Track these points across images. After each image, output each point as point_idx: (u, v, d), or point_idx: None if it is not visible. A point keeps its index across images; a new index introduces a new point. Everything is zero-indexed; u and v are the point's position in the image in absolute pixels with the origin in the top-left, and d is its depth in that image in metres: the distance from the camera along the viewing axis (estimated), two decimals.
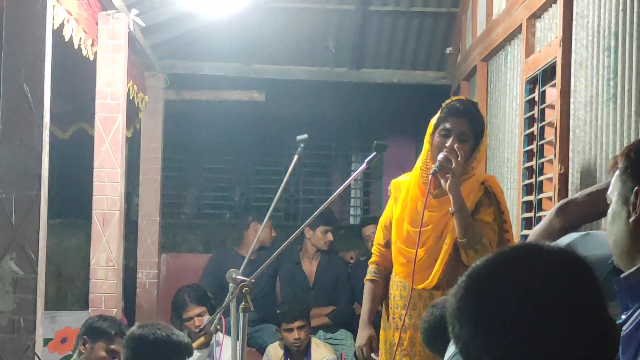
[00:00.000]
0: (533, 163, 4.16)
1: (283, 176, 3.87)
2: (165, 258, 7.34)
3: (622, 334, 1.60)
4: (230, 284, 3.31)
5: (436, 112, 3.65)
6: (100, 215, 4.76)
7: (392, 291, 3.80)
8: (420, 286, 3.61)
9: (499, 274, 1.26)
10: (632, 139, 2.89)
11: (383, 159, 7.91)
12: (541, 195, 4.01)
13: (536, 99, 4.16)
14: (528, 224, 4.25)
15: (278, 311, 5.83)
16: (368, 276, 3.92)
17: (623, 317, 1.64)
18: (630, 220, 1.69)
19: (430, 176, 3.46)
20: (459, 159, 3.46)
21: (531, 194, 4.18)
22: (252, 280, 3.21)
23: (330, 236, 6.46)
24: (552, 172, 3.79)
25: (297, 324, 5.64)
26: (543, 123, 4.02)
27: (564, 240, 2.19)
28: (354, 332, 6.34)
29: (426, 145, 3.64)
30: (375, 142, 3.30)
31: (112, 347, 4.06)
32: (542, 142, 4.03)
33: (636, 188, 1.70)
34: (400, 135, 7.92)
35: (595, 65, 3.30)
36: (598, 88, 3.26)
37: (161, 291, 6.71)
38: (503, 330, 1.21)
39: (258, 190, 8.20)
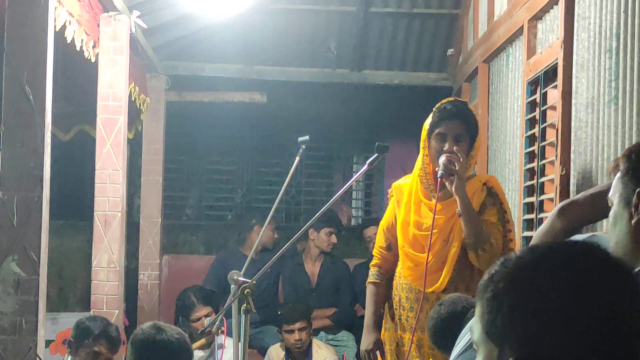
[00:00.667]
0: (534, 164, 4.16)
1: (285, 177, 3.87)
2: (166, 259, 7.34)
3: None
4: (232, 286, 3.31)
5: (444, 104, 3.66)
6: (101, 216, 4.76)
7: (396, 292, 3.80)
8: (430, 290, 3.61)
9: (545, 268, 1.22)
10: (634, 141, 2.89)
11: (384, 160, 7.92)
12: (542, 197, 4.01)
13: (537, 100, 4.16)
14: (529, 225, 4.24)
15: (279, 312, 5.83)
16: (370, 279, 3.91)
17: None
18: (632, 222, 1.70)
19: (438, 179, 3.46)
20: (461, 160, 3.47)
21: (532, 196, 4.18)
22: (254, 282, 3.21)
23: (334, 238, 6.47)
24: (553, 173, 3.79)
25: (298, 325, 5.64)
26: (544, 124, 4.02)
27: None
28: (356, 334, 6.36)
29: (422, 150, 3.64)
30: (376, 143, 3.30)
31: (95, 348, 4.04)
32: (543, 143, 4.03)
33: (638, 190, 1.70)
34: (402, 136, 7.92)
35: (597, 66, 3.30)
36: (599, 89, 3.26)
37: (163, 292, 6.71)
38: (540, 325, 1.18)
39: (259, 192, 8.20)
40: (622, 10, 3.05)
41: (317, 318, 6.24)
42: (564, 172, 3.57)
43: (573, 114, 3.55)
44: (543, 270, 1.21)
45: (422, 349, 3.68)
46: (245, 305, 3.19)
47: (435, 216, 3.55)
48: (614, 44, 3.11)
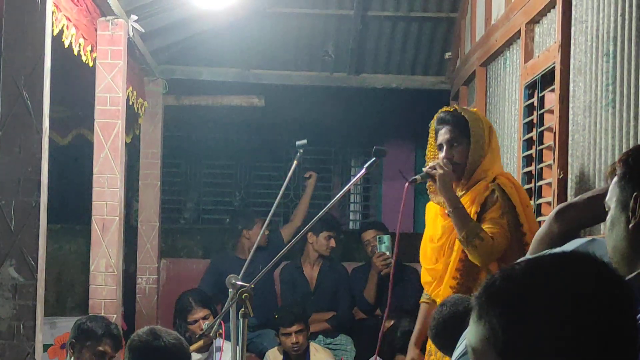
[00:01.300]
0: (532, 168, 4.16)
1: (282, 181, 3.87)
2: (165, 263, 7.33)
3: None
4: (230, 290, 3.31)
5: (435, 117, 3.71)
6: (99, 220, 4.76)
7: None
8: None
9: (542, 278, 1.22)
10: (631, 144, 2.89)
11: (382, 164, 7.92)
12: (540, 200, 4.01)
13: (535, 104, 4.16)
14: None
15: (276, 316, 5.83)
16: (422, 299, 3.99)
17: None
18: (630, 226, 1.69)
19: (406, 184, 3.53)
20: (444, 166, 3.53)
21: (530, 199, 4.18)
22: (252, 286, 3.21)
23: (333, 242, 6.47)
24: (551, 177, 3.79)
25: (294, 328, 5.64)
26: (542, 128, 4.02)
27: (570, 246, 2.19)
28: (354, 337, 6.36)
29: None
30: (374, 147, 3.31)
31: (100, 348, 4.04)
32: (541, 147, 4.04)
33: (635, 194, 1.69)
34: (400, 140, 7.93)
35: (594, 70, 3.30)
36: (597, 93, 3.26)
37: (161, 296, 6.70)
38: (535, 330, 1.19)
39: (257, 196, 8.20)
40: (619, 14, 3.06)
41: (315, 322, 6.24)
42: (561, 175, 3.58)
43: (570, 117, 3.56)
44: (531, 284, 1.22)
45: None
46: (243, 309, 3.19)
47: (442, 223, 3.62)
48: (611, 48, 3.11)
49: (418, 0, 6.44)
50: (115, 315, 4.69)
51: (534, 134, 4.15)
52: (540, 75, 4.03)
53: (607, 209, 1.77)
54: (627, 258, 1.70)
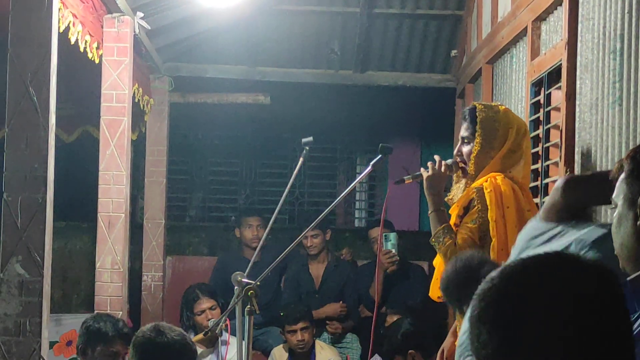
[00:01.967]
0: (539, 166, 4.16)
1: (288, 179, 3.87)
2: (170, 261, 7.34)
3: None
4: (236, 287, 3.31)
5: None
6: (105, 218, 4.77)
7: None
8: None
9: (528, 281, 1.24)
10: (638, 141, 2.89)
11: (388, 162, 7.91)
12: (547, 198, 4.00)
13: (541, 101, 4.15)
14: None
15: (281, 313, 5.83)
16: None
17: None
18: (638, 223, 1.69)
19: (393, 184, 3.56)
20: (432, 168, 3.52)
21: (537, 197, 4.17)
22: (257, 284, 3.21)
23: (311, 241, 6.38)
24: (557, 174, 3.78)
25: (300, 325, 5.64)
26: (548, 125, 4.02)
27: (590, 235, 2.21)
28: (360, 335, 6.35)
29: None
30: (380, 144, 3.31)
31: (112, 349, 4.02)
32: (547, 144, 4.03)
33: None
34: (406, 137, 7.92)
35: (601, 67, 3.30)
36: (603, 90, 3.26)
37: (166, 294, 6.71)
38: (519, 338, 1.20)
39: (263, 193, 8.21)
40: (626, 11, 3.05)
41: (325, 313, 6.21)
42: (568, 173, 3.57)
43: (577, 115, 3.55)
44: (531, 284, 1.23)
45: None
46: (249, 306, 3.19)
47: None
48: (618, 45, 3.10)
49: None
50: (120, 313, 4.70)
51: (540, 131, 4.14)
52: (546, 72, 4.02)
53: (614, 206, 1.77)
54: (634, 255, 1.70)
